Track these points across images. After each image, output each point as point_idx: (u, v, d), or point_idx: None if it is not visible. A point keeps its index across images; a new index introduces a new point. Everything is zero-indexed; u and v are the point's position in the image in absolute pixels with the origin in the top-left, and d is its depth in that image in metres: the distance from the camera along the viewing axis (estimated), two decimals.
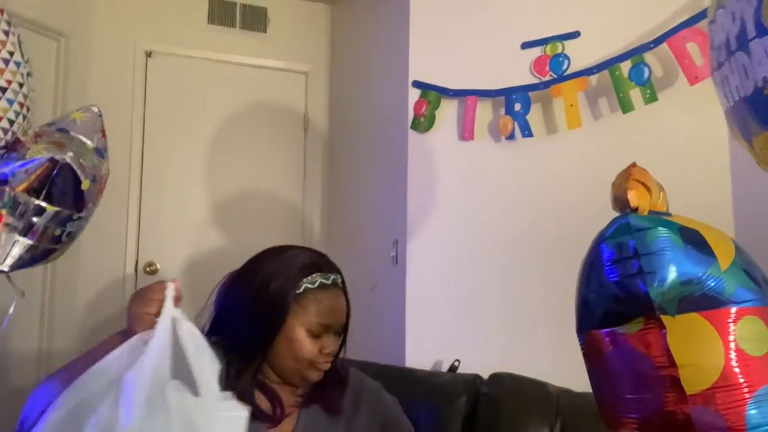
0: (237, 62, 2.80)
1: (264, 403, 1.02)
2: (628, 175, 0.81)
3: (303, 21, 2.94)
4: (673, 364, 0.68)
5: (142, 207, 2.62)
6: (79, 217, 1.51)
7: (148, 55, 2.67)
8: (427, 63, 2.05)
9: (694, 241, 0.72)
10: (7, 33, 1.41)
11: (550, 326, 1.84)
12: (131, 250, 2.59)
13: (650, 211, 0.79)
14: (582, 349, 0.82)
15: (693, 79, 1.62)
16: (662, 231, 0.73)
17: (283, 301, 1.00)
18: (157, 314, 0.85)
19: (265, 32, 2.85)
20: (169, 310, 0.86)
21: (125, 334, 0.88)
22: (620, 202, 0.80)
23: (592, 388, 0.82)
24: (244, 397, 0.95)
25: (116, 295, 2.55)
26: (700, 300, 0.69)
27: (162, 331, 0.83)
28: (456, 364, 1.79)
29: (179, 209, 2.68)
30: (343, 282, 1.09)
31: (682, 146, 1.74)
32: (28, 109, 1.45)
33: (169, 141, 2.68)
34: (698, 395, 0.67)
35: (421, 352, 1.91)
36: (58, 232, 1.47)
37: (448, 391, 1.57)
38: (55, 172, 1.40)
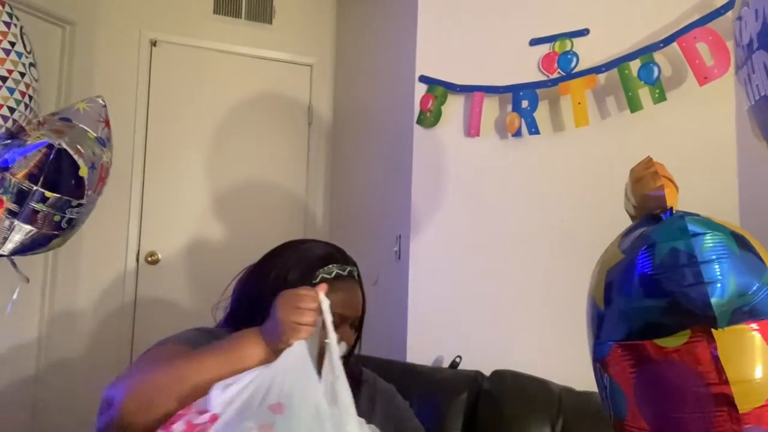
0: (242, 53, 2.79)
1: None
2: (655, 171, 0.76)
3: (309, 13, 2.93)
4: (723, 380, 0.62)
5: (145, 196, 2.62)
6: (79, 204, 1.53)
7: (153, 44, 2.66)
8: (434, 58, 2.04)
9: (746, 246, 0.67)
10: (8, 24, 1.43)
11: (553, 324, 1.84)
12: (133, 239, 2.58)
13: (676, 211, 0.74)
14: (601, 362, 0.75)
15: (702, 80, 1.61)
16: (719, 236, 0.66)
17: None
18: (313, 324, 0.84)
19: (271, 23, 2.84)
20: (331, 328, 0.85)
21: (270, 340, 0.84)
22: (655, 201, 0.74)
23: (611, 404, 0.75)
24: None
25: (117, 283, 2.55)
26: (751, 311, 0.63)
27: (333, 349, 0.84)
28: (457, 360, 1.78)
29: (181, 199, 2.68)
30: (359, 275, 1.09)
31: (690, 147, 1.73)
32: (30, 98, 1.46)
33: (173, 130, 2.67)
34: (752, 413, 0.61)
35: (423, 348, 1.91)
36: (57, 218, 1.48)
37: (449, 386, 1.57)
38: (51, 157, 1.42)
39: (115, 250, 2.56)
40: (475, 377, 1.58)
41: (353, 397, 1.06)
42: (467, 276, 1.95)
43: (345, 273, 1.05)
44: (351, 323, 1.05)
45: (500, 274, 1.92)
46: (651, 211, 0.75)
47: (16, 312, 2.24)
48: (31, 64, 1.48)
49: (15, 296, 1.71)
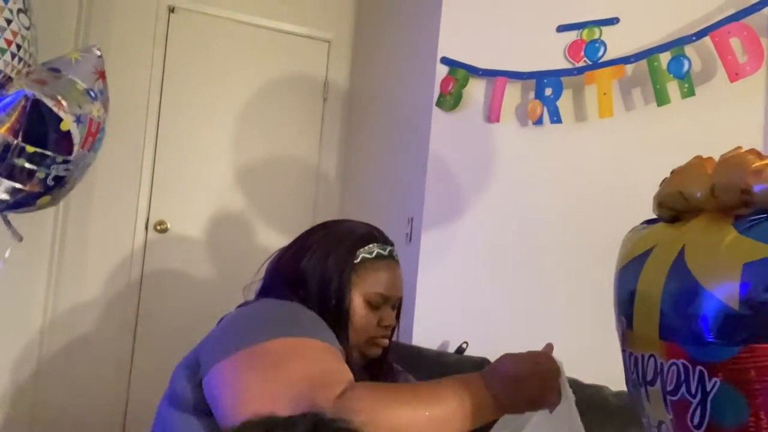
0: (260, 24, 2.75)
1: None
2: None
3: None
4: None
5: (156, 164, 2.60)
6: (66, 161, 1.43)
7: (171, 10, 2.62)
8: (457, 39, 2.00)
9: None
10: None
11: (562, 315, 1.83)
12: (143, 208, 2.58)
13: None
14: (712, 365, 0.66)
15: (734, 76, 1.57)
16: None
17: (342, 272, 0.97)
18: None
19: None
20: (566, 384, 0.86)
21: (510, 406, 0.83)
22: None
23: (713, 411, 0.66)
24: None
25: (125, 250, 2.55)
26: None
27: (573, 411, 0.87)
28: (464, 346, 1.78)
29: (193, 169, 2.66)
30: (397, 255, 1.07)
31: (716, 145, 1.67)
32: (18, 47, 1.37)
33: (187, 98, 2.65)
34: None
35: (429, 332, 1.90)
36: (42, 174, 1.40)
37: (454, 372, 1.56)
38: (27, 108, 1.34)
39: (124, 218, 2.55)
40: (481, 364, 1.58)
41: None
42: (477, 262, 1.93)
43: (386, 253, 1.03)
44: (392, 304, 1.04)
45: (511, 263, 1.91)
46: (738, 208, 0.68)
47: (22, 276, 2.25)
48: (20, 10, 1.38)
49: (7, 254, 1.66)
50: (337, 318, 0.95)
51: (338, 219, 1.11)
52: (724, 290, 0.66)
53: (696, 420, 0.67)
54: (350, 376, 0.78)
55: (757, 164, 0.66)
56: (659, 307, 0.72)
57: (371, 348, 1.00)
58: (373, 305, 0.99)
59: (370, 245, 1.01)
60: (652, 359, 0.73)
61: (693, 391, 0.67)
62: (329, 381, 0.74)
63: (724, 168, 0.72)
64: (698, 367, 0.67)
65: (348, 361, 0.89)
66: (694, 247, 0.71)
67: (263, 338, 0.79)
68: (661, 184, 0.88)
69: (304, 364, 0.76)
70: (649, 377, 0.74)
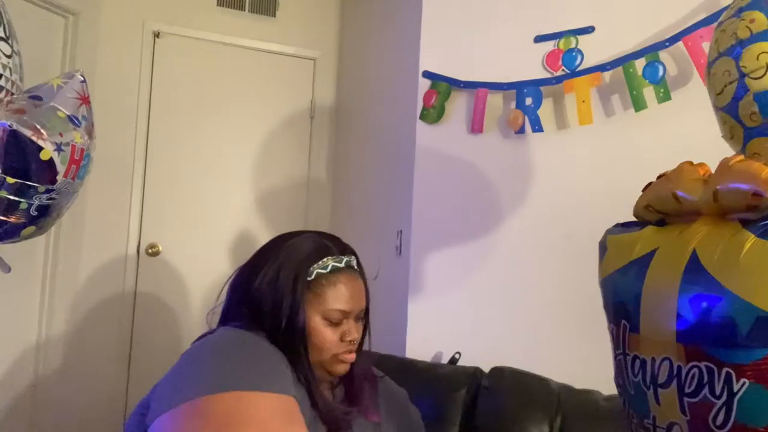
0: (245, 46, 2.78)
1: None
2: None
3: (313, 6, 2.92)
4: None
5: (146, 188, 2.61)
6: (48, 190, 1.40)
7: (156, 35, 2.65)
8: (438, 53, 2.03)
9: None
10: None
11: (553, 322, 1.85)
12: (134, 231, 2.58)
13: None
14: (740, 367, 0.66)
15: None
16: None
17: (294, 291, 0.92)
18: None
19: (275, 16, 2.83)
20: None
21: None
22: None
23: (745, 412, 0.67)
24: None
25: (117, 275, 2.55)
26: None
27: None
28: (456, 356, 1.79)
29: (183, 191, 2.67)
30: (359, 264, 1.02)
31: (694, 147, 1.71)
32: None
33: (175, 123, 2.67)
34: None
35: (422, 344, 1.91)
36: (24, 205, 1.37)
37: (448, 382, 1.57)
38: (5, 139, 1.31)
39: (116, 242, 2.56)
40: (474, 374, 1.59)
41: (371, 395, 1.03)
42: (468, 273, 1.95)
43: (342, 264, 0.97)
44: (356, 317, 0.98)
45: (501, 272, 1.92)
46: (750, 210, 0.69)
47: (15, 302, 2.25)
48: (0, 38, 1.36)
49: None
50: (292, 340, 0.91)
51: (293, 231, 1.03)
52: (753, 294, 0.66)
53: (719, 420, 0.67)
54: None
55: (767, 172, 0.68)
56: (675, 311, 0.71)
57: (337, 365, 0.96)
58: (333, 322, 0.94)
59: (324, 259, 0.96)
60: (666, 362, 0.73)
61: (718, 392, 0.67)
62: None
63: (728, 174, 0.74)
64: (725, 369, 0.67)
65: (309, 386, 0.90)
66: (708, 250, 0.71)
67: (209, 390, 0.74)
68: (644, 189, 0.88)
69: None
70: (661, 380, 0.73)
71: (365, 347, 1.06)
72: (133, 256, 2.58)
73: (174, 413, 0.73)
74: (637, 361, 0.78)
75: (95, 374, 2.47)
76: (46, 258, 2.38)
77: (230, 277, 1.01)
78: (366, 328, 1.03)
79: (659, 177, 0.87)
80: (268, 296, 0.93)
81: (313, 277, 0.94)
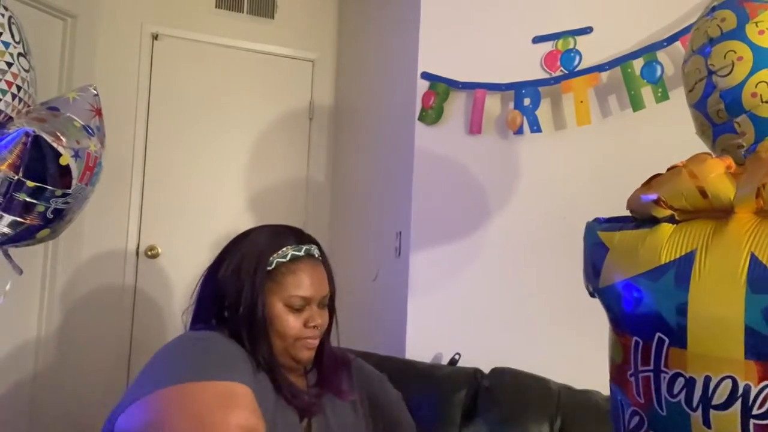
0: (244, 48, 2.78)
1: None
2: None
3: (311, 8, 2.92)
4: None
5: (145, 190, 2.61)
6: (65, 194, 1.48)
7: (155, 37, 2.65)
8: (436, 54, 2.03)
9: None
10: None
11: (553, 323, 1.85)
12: (133, 233, 2.58)
13: None
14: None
15: None
16: None
17: (254, 281, 0.96)
18: None
19: (273, 18, 2.83)
20: None
21: None
22: None
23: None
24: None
25: (117, 277, 2.55)
26: None
27: None
28: (456, 357, 1.79)
29: (182, 193, 2.67)
30: (321, 252, 1.05)
31: (692, 147, 1.72)
32: (18, 89, 1.44)
33: (174, 124, 2.67)
34: None
35: (422, 345, 1.91)
36: (41, 208, 1.45)
37: (448, 383, 1.57)
38: (28, 145, 1.39)
39: (115, 244, 2.56)
40: (474, 374, 1.58)
41: (343, 378, 1.06)
42: (467, 273, 1.95)
43: (302, 253, 1.00)
44: (319, 303, 1.02)
45: (500, 272, 1.92)
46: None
47: (14, 305, 2.24)
48: (20, 54, 1.45)
49: (8, 287, 1.69)
50: (253, 327, 0.95)
51: (256, 226, 1.07)
52: None
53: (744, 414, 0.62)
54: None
55: None
56: (743, 325, 0.64)
57: (302, 351, 0.99)
58: (296, 308, 0.98)
59: (284, 249, 0.99)
60: (728, 381, 0.65)
61: (738, 390, 0.62)
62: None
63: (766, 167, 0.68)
64: (755, 365, 0.61)
65: (273, 374, 0.94)
66: None
67: (154, 387, 0.78)
68: (647, 183, 0.82)
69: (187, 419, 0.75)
70: (718, 401, 0.66)
71: (333, 334, 1.09)
72: (133, 258, 2.58)
73: (126, 414, 0.77)
74: (680, 380, 0.69)
75: (94, 376, 2.47)
76: (46, 259, 2.37)
77: (201, 276, 1.05)
78: (332, 315, 1.07)
79: (670, 169, 0.80)
80: (230, 287, 0.97)
81: (273, 266, 0.98)
